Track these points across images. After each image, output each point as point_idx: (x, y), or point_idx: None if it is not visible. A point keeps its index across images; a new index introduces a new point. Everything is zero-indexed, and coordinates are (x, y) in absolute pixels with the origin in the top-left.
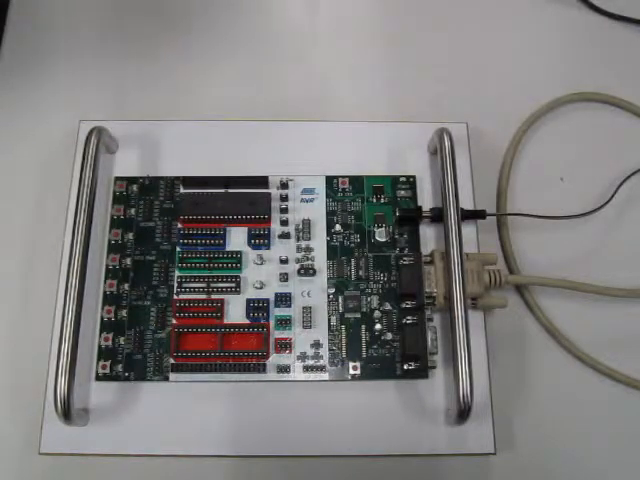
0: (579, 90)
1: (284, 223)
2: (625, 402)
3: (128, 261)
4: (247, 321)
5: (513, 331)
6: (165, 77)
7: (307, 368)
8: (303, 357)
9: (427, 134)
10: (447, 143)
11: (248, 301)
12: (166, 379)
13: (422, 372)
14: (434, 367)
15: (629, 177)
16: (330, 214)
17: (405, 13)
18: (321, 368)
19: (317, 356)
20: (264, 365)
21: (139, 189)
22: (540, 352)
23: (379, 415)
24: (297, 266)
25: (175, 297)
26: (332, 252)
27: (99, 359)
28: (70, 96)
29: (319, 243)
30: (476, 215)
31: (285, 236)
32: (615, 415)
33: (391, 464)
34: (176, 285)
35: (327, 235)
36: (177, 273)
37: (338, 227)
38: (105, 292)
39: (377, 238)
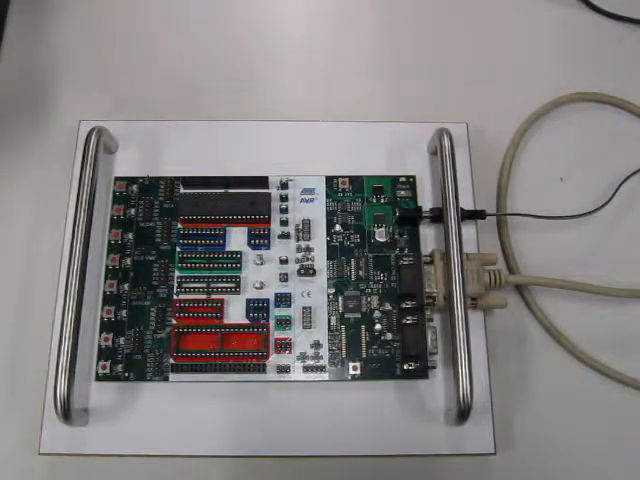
0: (579, 90)
1: (284, 223)
2: (625, 402)
3: (128, 261)
4: (247, 321)
5: (513, 331)
6: (165, 77)
7: (307, 368)
8: (303, 357)
9: (427, 134)
10: (447, 143)
11: (248, 301)
12: (166, 379)
13: (422, 372)
14: (434, 367)
15: (629, 177)
16: (330, 214)
17: (405, 13)
18: (321, 368)
19: (317, 356)
20: (264, 365)
21: (139, 189)
22: (540, 352)
23: (379, 415)
24: (297, 266)
25: (175, 297)
26: (332, 252)
27: (99, 359)
28: (70, 96)
29: (319, 243)
30: (476, 215)
31: (285, 236)
32: (615, 415)
33: (391, 464)
34: (176, 285)
35: (327, 235)
36: (177, 273)
37: (338, 227)
38: (105, 292)
39: (377, 238)
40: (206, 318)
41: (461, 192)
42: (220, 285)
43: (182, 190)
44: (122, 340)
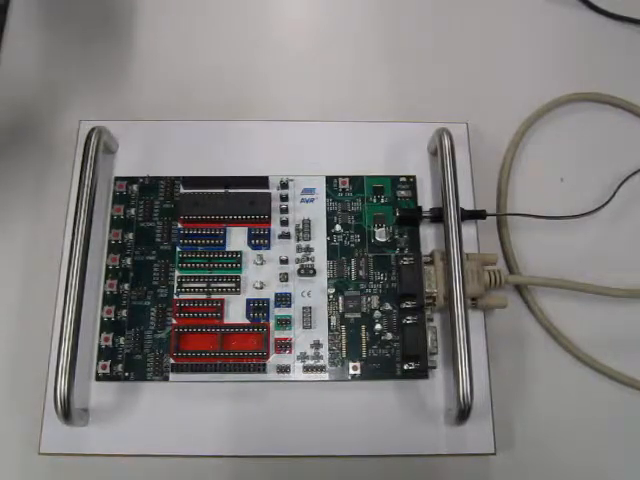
0: (579, 90)
1: (284, 223)
2: (625, 402)
3: (128, 261)
4: (247, 321)
5: (513, 331)
6: (165, 77)
7: (307, 368)
8: (303, 357)
9: (427, 134)
10: (447, 143)
11: (248, 301)
12: (166, 379)
13: (422, 372)
14: (434, 367)
15: (629, 177)
16: (330, 214)
17: (405, 13)
18: (321, 368)
19: (317, 356)
20: (264, 365)
21: (139, 189)
22: (540, 352)
23: (379, 415)
24: (297, 266)
25: (175, 297)
26: (332, 252)
27: (99, 359)
28: (70, 96)
29: (319, 243)
30: (476, 215)
31: (285, 236)
32: (615, 415)
33: (391, 464)
34: (176, 285)
35: (327, 235)
36: (177, 273)
37: (338, 227)
38: (105, 292)
39: (377, 238)
40: (206, 318)
41: (461, 192)
42: (220, 285)
43: (182, 190)
44: (122, 340)
